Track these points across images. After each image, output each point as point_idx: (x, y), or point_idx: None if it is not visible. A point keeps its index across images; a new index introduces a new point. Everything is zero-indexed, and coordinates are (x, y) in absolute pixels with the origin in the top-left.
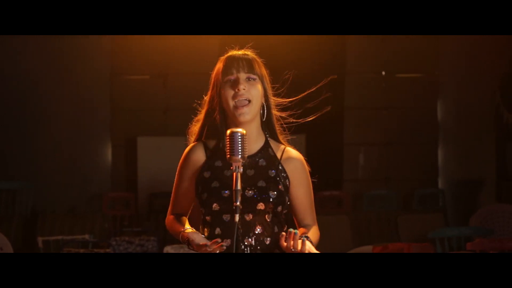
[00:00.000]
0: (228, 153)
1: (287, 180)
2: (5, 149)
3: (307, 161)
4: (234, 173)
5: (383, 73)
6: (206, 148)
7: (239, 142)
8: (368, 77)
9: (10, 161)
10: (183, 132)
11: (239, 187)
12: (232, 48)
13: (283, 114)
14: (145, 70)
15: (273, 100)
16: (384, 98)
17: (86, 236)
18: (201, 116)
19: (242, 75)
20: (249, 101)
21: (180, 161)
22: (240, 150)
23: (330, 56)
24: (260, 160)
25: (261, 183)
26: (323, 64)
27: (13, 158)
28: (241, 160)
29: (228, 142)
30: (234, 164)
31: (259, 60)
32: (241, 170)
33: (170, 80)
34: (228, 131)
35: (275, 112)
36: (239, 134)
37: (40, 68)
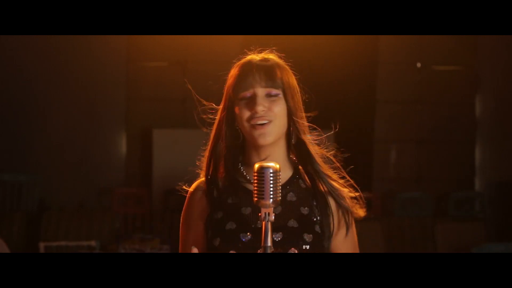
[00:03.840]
0: (255, 195)
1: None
2: (13, 139)
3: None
4: (264, 222)
5: (418, 64)
6: (214, 184)
7: (271, 182)
8: (401, 68)
9: (17, 152)
10: (203, 125)
11: (269, 242)
12: (251, 50)
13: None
14: (163, 56)
15: (303, 121)
16: (419, 92)
17: (92, 243)
18: (210, 138)
19: (260, 91)
20: (270, 121)
21: (184, 206)
22: (271, 192)
23: (360, 46)
24: (288, 195)
25: (292, 223)
26: (353, 54)
27: (21, 148)
28: (272, 205)
29: (256, 181)
30: (263, 211)
31: (283, 65)
32: (272, 218)
33: (189, 67)
34: (257, 166)
35: (307, 137)
36: (271, 171)
37: (50, 54)
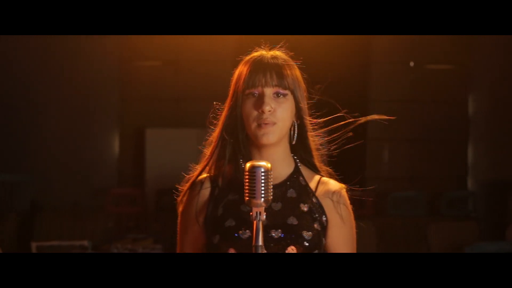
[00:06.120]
0: (247, 194)
1: (323, 218)
2: (6, 139)
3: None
4: (255, 222)
5: (412, 63)
6: (215, 180)
7: (262, 181)
8: (395, 67)
9: (10, 152)
10: (196, 124)
11: (260, 242)
12: (261, 47)
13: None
14: (156, 56)
15: (308, 120)
16: (412, 91)
17: (85, 243)
18: (214, 135)
19: (268, 90)
20: (274, 123)
21: (184, 200)
22: (263, 192)
23: (353, 45)
24: (289, 191)
25: (292, 220)
26: (346, 54)
27: (14, 148)
28: (264, 204)
29: (247, 180)
30: (254, 210)
31: (292, 64)
32: (264, 217)
33: (182, 67)
34: (248, 165)
35: (310, 134)
36: (263, 170)
37: (42, 54)
